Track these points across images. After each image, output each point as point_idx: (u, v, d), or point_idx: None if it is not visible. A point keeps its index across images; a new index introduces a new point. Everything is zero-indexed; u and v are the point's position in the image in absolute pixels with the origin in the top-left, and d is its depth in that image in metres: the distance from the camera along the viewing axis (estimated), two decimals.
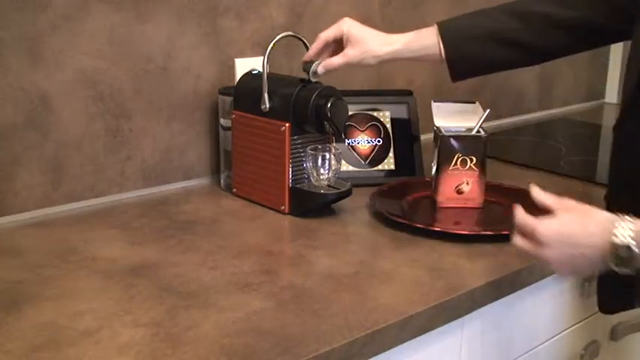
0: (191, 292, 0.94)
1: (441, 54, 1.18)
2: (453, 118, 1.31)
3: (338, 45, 1.22)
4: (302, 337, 0.83)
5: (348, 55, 1.20)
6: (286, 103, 1.21)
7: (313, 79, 1.23)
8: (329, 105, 1.20)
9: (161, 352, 0.79)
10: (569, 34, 1.15)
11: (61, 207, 1.23)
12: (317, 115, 1.20)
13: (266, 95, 1.22)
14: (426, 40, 1.19)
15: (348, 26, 1.20)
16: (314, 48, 1.22)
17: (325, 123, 1.20)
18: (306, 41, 1.26)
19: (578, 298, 1.25)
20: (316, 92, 1.20)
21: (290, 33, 1.27)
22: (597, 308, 1.13)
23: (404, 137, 1.47)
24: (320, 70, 1.21)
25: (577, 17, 1.13)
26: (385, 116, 1.47)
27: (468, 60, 1.19)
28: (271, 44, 1.23)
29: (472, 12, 1.21)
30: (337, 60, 1.21)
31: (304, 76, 1.25)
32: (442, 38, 1.17)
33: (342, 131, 1.26)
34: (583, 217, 0.94)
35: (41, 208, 1.21)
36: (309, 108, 1.19)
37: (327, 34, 1.21)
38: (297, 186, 1.23)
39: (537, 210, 1.24)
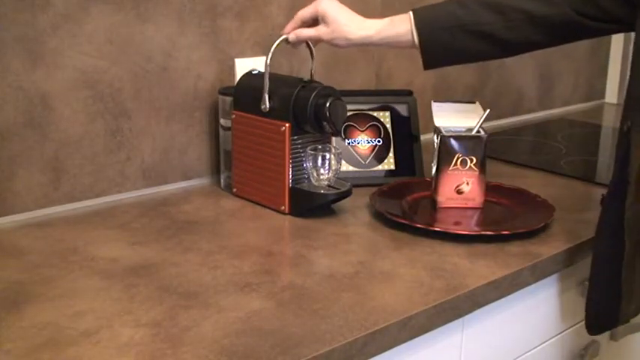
0: (191, 292, 0.94)
1: (413, 41, 1.18)
2: (453, 118, 1.31)
3: (315, 23, 1.24)
4: (302, 337, 0.83)
5: (320, 30, 1.21)
6: (286, 103, 1.21)
7: (294, 48, 1.26)
8: (328, 105, 1.20)
9: (161, 352, 0.79)
10: (545, 30, 1.15)
11: (61, 207, 1.23)
12: (316, 115, 1.20)
13: (266, 95, 1.22)
14: (400, 27, 1.19)
15: (324, 6, 1.21)
16: (291, 25, 1.24)
17: (324, 123, 1.20)
18: (311, 44, 1.26)
19: (578, 298, 1.25)
20: (315, 92, 1.20)
21: (278, 41, 1.25)
22: (585, 330, 1.15)
23: (404, 137, 1.47)
24: (291, 37, 1.23)
25: (555, 14, 1.13)
26: (385, 116, 1.47)
27: (440, 49, 1.18)
28: (274, 45, 1.23)
29: (448, 1, 1.20)
30: (308, 32, 1.22)
31: (304, 76, 1.25)
32: (416, 26, 1.17)
33: (340, 131, 1.26)
34: None
35: (41, 208, 1.21)
36: (308, 108, 1.19)
37: (304, 13, 1.23)
38: (297, 186, 1.23)
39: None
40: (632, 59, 1.06)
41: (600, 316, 1.14)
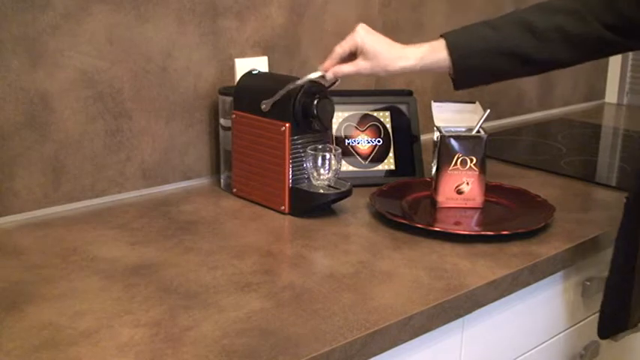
0: (191, 292, 0.94)
1: (450, 66, 1.17)
2: (453, 118, 1.31)
3: (352, 56, 1.20)
4: (302, 337, 0.83)
5: (359, 65, 1.19)
6: (286, 103, 1.21)
7: (326, 85, 1.23)
8: (315, 102, 1.20)
9: (161, 352, 0.79)
10: (579, 49, 1.14)
11: (61, 207, 1.23)
12: (304, 113, 1.20)
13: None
14: (439, 54, 1.17)
15: (362, 38, 1.18)
16: (329, 62, 1.20)
17: (312, 120, 1.21)
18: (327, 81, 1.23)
19: (578, 298, 1.25)
20: (302, 90, 1.20)
21: (315, 77, 1.22)
22: (596, 333, 1.15)
23: (404, 137, 1.47)
24: (329, 75, 1.20)
25: (589, 32, 1.11)
26: (385, 116, 1.47)
27: (473, 72, 1.18)
28: (308, 77, 1.20)
29: (482, 23, 1.18)
30: (347, 68, 1.19)
31: (304, 76, 1.25)
32: (450, 51, 1.16)
33: (328, 129, 1.26)
34: None
35: (41, 208, 1.21)
36: (296, 106, 1.19)
37: (343, 48, 1.19)
38: (297, 186, 1.23)
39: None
40: None
41: (611, 319, 1.13)
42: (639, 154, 1.06)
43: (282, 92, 1.20)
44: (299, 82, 1.20)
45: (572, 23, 1.12)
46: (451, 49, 1.16)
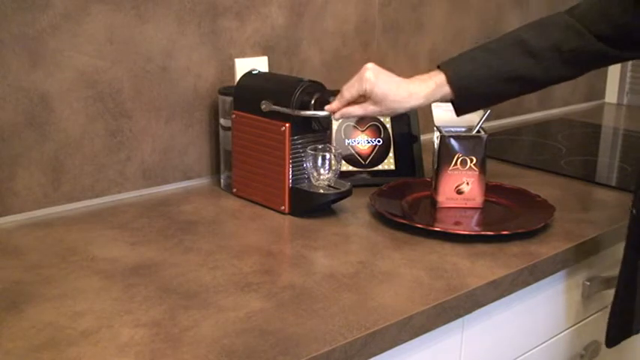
0: (191, 292, 0.94)
1: (443, 97, 1.17)
2: (453, 118, 1.31)
3: (361, 97, 1.18)
4: (302, 337, 0.83)
5: (367, 108, 1.17)
6: (285, 103, 1.21)
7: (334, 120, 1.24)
8: (313, 102, 1.20)
9: (161, 352, 0.79)
10: (577, 64, 1.15)
11: (61, 207, 1.23)
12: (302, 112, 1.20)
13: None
14: (444, 89, 1.16)
15: (370, 85, 1.15)
16: (337, 104, 1.18)
17: (311, 120, 1.21)
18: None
19: (578, 298, 1.25)
20: (300, 89, 1.20)
21: (322, 115, 1.22)
22: (604, 339, 1.15)
23: (404, 137, 1.47)
24: (337, 116, 1.19)
25: (584, 46, 1.12)
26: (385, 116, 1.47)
27: (475, 99, 1.18)
28: (316, 113, 1.21)
29: (480, 48, 1.18)
30: (356, 110, 1.17)
31: (304, 76, 1.25)
32: (452, 86, 1.15)
33: (326, 128, 1.26)
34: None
35: (41, 208, 1.21)
36: (294, 104, 1.19)
37: (351, 94, 1.16)
38: (297, 186, 1.23)
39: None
40: None
41: (617, 326, 1.14)
42: None
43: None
44: (303, 113, 1.19)
45: (567, 39, 1.13)
46: (453, 81, 1.15)
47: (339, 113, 1.18)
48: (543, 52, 1.13)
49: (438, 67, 1.17)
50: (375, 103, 1.15)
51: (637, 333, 1.14)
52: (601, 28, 1.11)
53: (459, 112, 1.19)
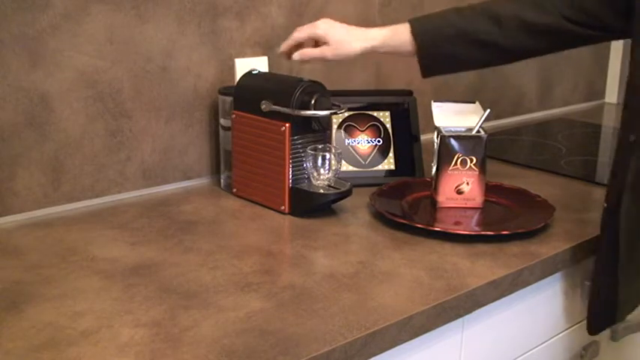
0: (191, 292, 0.94)
1: (414, 50, 1.20)
2: (453, 118, 1.31)
3: (312, 44, 1.25)
4: (302, 337, 0.83)
5: (324, 50, 1.22)
6: (285, 102, 1.21)
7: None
8: (313, 102, 1.20)
9: (161, 352, 0.79)
10: (541, 38, 1.17)
11: (61, 207, 1.23)
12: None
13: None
14: (403, 36, 1.20)
15: (322, 27, 1.22)
16: (288, 42, 1.25)
17: (311, 120, 1.21)
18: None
19: (578, 298, 1.25)
20: (300, 89, 1.20)
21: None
22: (586, 326, 1.17)
23: (404, 137, 1.47)
24: (296, 56, 1.24)
25: (550, 22, 1.15)
26: (385, 116, 1.47)
27: (440, 58, 1.20)
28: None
29: (446, 10, 1.22)
30: (313, 51, 1.23)
31: (304, 75, 1.25)
32: (415, 37, 1.19)
33: (326, 128, 1.26)
34: None
35: (41, 208, 1.21)
36: (294, 104, 1.19)
37: (300, 34, 1.23)
38: (297, 186, 1.23)
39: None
40: (631, 67, 1.06)
41: (599, 315, 1.15)
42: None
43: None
44: (303, 113, 1.21)
45: (531, 12, 1.15)
46: (416, 34, 1.19)
47: (298, 54, 1.23)
48: (508, 20, 1.16)
49: (409, 21, 1.21)
50: (329, 43, 1.21)
51: (621, 321, 1.16)
52: (569, 13, 1.14)
53: (425, 69, 1.22)
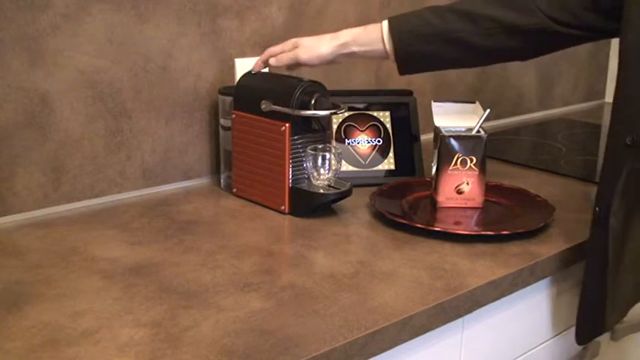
0: (191, 292, 0.94)
1: (385, 50, 1.20)
2: (453, 118, 1.31)
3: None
4: (302, 337, 0.83)
5: (297, 51, 1.25)
6: (285, 102, 1.21)
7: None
8: (313, 102, 1.20)
9: (161, 352, 0.79)
10: (518, 38, 1.15)
11: (61, 207, 1.23)
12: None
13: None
14: (373, 34, 1.21)
15: (294, 40, 1.26)
16: (259, 61, 1.30)
17: (311, 120, 1.21)
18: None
19: (579, 298, 1.25)
20: (301, 89, 1.20)
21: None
22: (574, 336, 1.15)
23: (404, 137, 1.47)
24: (272, 61, 1.26)
25: (532, 23, 1.13)
26: (385, 116, 1.47)
27: (417, 57, 1.20)
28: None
29: (422, 9, 1.21)
30: (287, 54, 1.25)
31: (304, 75, 1.25)
32: (391, 33, 1.19)
33: (326, 128, 1.26)
34: None
35: (41, 208, 1.21)
36: (293, 104, 1.19)
37: (274, 50, 1.28)
38: (297, 186, 1.23)
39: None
40: (620, 66, 1.05)
41: (588, 324, 1.13)
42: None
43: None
44: (303, 113, 1.22)
45: (510, 13, 1.14)
46: (392, 30, 1.19)
47: (273, 59, 1.26)
48: (483, 20, 1.15)
49: (388, 19, 1.21)
50: (301, 46, 1.24)
51: (609, 331, 1.15)
52: (555, 13, 1.12)
53: (401, 67, 1.22)
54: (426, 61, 1.22)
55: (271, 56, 1.27)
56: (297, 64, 1.27)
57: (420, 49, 1.19)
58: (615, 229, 1.05)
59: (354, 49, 1.23)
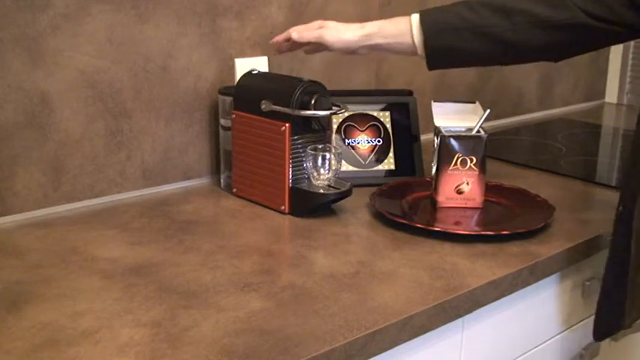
0: (191, 292, 0.94)
1: (413, 43, 1.16)
2: (453, 118, 1.31)
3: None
4: (302, 337, 0.83)
5: (324, 32, 1.21)
6: (285, 102, 1.21)
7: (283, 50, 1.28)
8: (313, 102, 1.20)
9: (161, 352, 0.79)
10: (552, 34, 1.11)
11: (61, 207, 1.23)
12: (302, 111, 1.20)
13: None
14: (401, 25, 1.17)
15: (320, 22, 1.22)
16: (280, 38, 1.25)
17: (311, 120, 1.21)
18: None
19: (578, 298, 1.25)
20: (301, 89, 1.20)
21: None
22: (592, 332, 1.15)
23: (404, 137, 1.47)
24: (295, 35, 1.22)
25: (567, 17, 1.09)
26: (385, 116, 1.47)
27: (447, 51, 1.16)
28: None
29: (454, 3, 1.18)
30: (313, 33, 1.22)
31: (304, 75, 1.25)
32: (423, 26, 1.15)
33: (326, 128, 1.26)
34: None
35: (41, 208, 1.21)
36: (294, 104, 1.19)
37: (299, 29, 1.23)
38: (297, 186, 1.23)
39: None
40: None
41: (606, 321, 1.14)
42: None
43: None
44: (303, 113, 1.21)
45: (545, 7, 1.10)
46: (422, 22, 1.15)
47: (296, 32, 1.22)
48: (517, 14, 1.12)
49: (418, 12, 1.18)
50: (330, 30, 1.20)
51: (627, 328, 1.14)
52: (592, 8, 1.08)
53: (430, 61, 1.17)
54: (455, 55, 1.17)
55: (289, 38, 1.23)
56: (319, 46, 1.23)
57: (450, 42, 1.14)
58: (638, 229, 1.05)
59: (379, 40, 1.19)
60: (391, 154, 1.45)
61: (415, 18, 1.17)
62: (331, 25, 1.21)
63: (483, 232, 1.14)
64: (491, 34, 1.13)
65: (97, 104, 1.25)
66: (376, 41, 1.19)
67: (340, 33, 1.20)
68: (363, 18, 1.63)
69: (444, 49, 1.15)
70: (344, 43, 1.20)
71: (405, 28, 1.17)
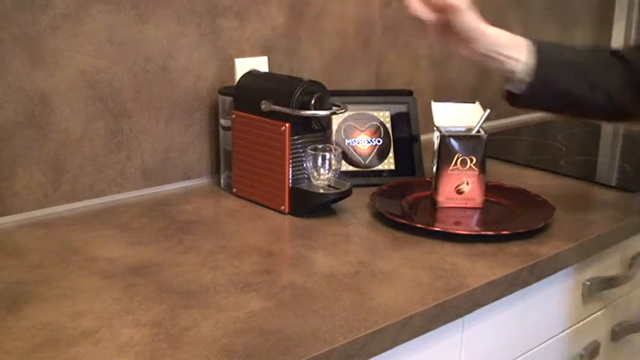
0: (191, 292, 0.94)
1: (518, 61, 1.07)
2: (453, 118, 1.31)
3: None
4: (302, 337, 0.83)
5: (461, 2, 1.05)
6: (286, 102, 1.21)
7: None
8: (313, 102, 1.20)
9: (161, 352, 0.79)
10: None
11: (61, 207, 1.23)
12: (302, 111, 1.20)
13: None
14: (519, 40, 1.07)
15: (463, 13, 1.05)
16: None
17: (311, 120, 1.21)
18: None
19: (579, 298, 1.25)
20: (301, 89, 1.20)
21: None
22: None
23: (404, 137, 1.47)
24: None
25: None
26: (385, 116, 1.47)
27: (549, 87, 1.07)
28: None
29: (572, 47, 1.11)
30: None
31: (304, 75, 1.25)
32: (537, 57, 1.06)
33: (326, 128, 1.26)
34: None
35: (41, 208, 1.21)
36: (294, 104, 1.19)
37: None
38: (297, 186, 1.23)
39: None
40: None
41: None
42: None
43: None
44: (303, 112, 1.15)
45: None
46: (540, 51, 1.06)
47: None
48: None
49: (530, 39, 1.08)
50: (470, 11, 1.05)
51: None
52: None
53: (525, 97, 1.09)
54: (555, 96, 1.08)
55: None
56: (452, 11, 1.04)
57: (559, 78, 1.06)
58: None
59: (491, 46, 1.07)
60: (391, 154, 1.45)
61: (530, 42, 1.08)
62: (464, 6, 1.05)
63: (483, 232, 1.14)
64: (603, 87, 1.06)
65: (97, 104, 1.25)
66: (486, 39, 1.07)
67: (472, 15, 1.05)
68: (363, 18, 1.63)
69: (548, 84, 1.06)
70: (469, 26, 1.06)
71: (521, 43, 1.07)
